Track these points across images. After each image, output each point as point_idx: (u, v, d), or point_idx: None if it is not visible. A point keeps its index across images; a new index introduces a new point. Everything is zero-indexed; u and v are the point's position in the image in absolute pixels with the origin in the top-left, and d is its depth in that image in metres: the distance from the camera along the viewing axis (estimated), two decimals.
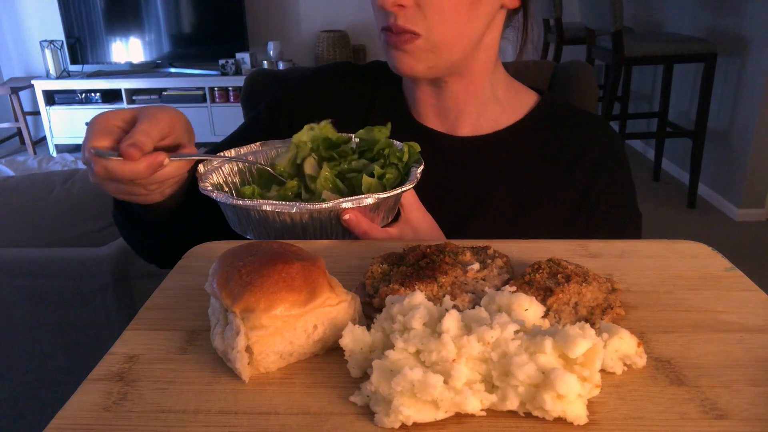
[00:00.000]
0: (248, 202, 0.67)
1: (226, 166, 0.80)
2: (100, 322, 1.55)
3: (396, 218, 0.77)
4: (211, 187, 0.72)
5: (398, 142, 0.78)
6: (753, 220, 3.54)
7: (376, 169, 0.73)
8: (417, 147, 0.76)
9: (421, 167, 0.74)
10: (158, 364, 0.49)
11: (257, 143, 0.83)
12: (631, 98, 4.50)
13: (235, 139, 1.01)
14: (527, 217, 0.89)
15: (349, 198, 0.67)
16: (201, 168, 0.76)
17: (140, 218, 0.83)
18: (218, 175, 0.78)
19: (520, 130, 0.95)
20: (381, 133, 0.77)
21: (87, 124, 0.70)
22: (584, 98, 1.18)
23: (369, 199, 0.68)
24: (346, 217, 0.68)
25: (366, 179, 0.72)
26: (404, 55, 0.84)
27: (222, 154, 0.80)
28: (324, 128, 0.78)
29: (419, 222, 0.77)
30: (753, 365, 0.48)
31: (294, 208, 0.66)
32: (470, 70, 0.90)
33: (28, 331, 1.57)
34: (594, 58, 3.79)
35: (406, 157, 0.75)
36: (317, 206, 0.66)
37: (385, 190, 0.71)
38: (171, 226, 0.85)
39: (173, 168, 0.70)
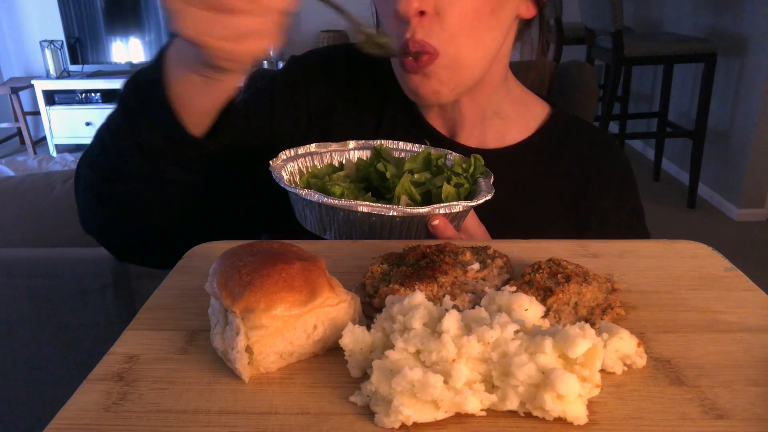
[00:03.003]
0: (344, 203, 0.67)
1: (289, 165, 0.79)
2: (100, 322, 1.54)
3: None
4: (292, 184, 0.71)
5: (452, 153, 0.80)
6: (753, 220, 3.55)
7: (454, 179, 0.75)
8: (482, 160, 0.77)
9: (492, 178, 0.76)
10: (158, 364, 0.49)
11: (313, 144, 0.82)
12: (631, 98, 4.50)
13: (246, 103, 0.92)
14: (532, 236, 0.89)
15: (441, 204, 0.69)
16: (271, 164, 0.76)
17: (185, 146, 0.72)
18: (285, 173, 0.78)
19: (528, 149, 0.93)
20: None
21: None
22: (584, 98, 1.18)
23: (458, 207, 0.69)
24: (435, 222, 0.69)
25: (446, 187, 0.74)
26: (425, 80, 0.81)
27: (287, 153, 0.79)
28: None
29: (476, 231, 0.77)
30: (753, 365, 0.48)
31: (392, 210, 0.67)
32: (481, 81, 0.87)
33: (28, 331, 1.57)
34: (594, 58, 3.80)
35: (472, 168, 0.77)
36: (415, 210, 0.67)
37: (460, 199, 0.73)
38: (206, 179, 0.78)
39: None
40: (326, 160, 0.82)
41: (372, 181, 0.78)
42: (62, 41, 5.09)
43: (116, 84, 4.96)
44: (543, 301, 0.53)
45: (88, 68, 5.21)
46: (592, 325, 0.51)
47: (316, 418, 0.43)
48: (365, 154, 0.83)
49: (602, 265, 0.63)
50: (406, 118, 0.94)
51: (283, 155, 0.79)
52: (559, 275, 0.55)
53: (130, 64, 5.19)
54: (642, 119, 4.52)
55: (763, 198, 3.54)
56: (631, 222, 0.93)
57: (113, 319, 1.53)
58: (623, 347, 0.47)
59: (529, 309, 0.49)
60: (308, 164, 0.81)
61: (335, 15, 0.72)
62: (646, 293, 0.59)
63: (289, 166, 0.78)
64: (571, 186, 0.91)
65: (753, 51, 3.38)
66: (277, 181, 0.72)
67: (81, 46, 5.11)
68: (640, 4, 4.80)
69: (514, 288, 0.53)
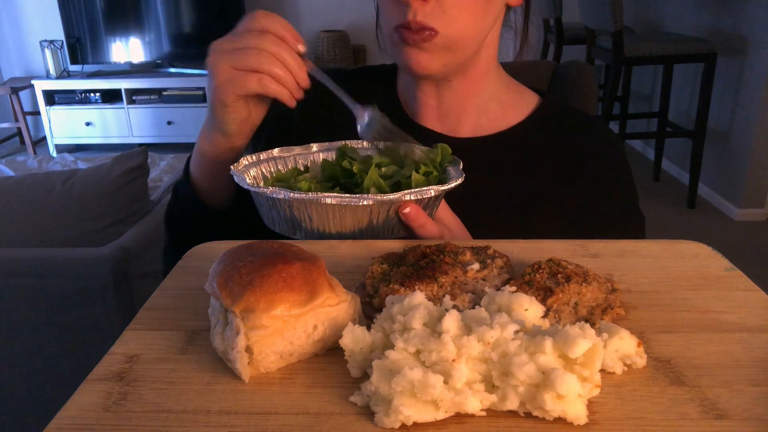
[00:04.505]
0: (312, 195, 0.64)
1: (252, 170, 0.77)
2: (100, 322, 1.55)
3: None
4: (256, 184, 0.70)
5: (421, 146, 0.79)
6: (753, 220, 3.55)
7: (422, 167, 0.74)
8: (449, 149, 0.77)
9: (461, 165, 0.75)
10: (158, 364, 0.49)
11: (276, 149, 0.81)
12: (631, 98, 4.50)
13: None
14: (530, 222, 0.89)
15: (412, 190, 0.67)
16: (233, 168, 0.74)
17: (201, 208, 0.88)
18: (249, 178, 0.76)
19: (523, 132, 0.94)
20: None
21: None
22: (584, 98, 1.18)
23: (431, 191, 0.68)
24: (406, 210, 0.68)
25: (416, 176, 0.73)
26: (420, 52, 0.82)
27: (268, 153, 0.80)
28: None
29: (450, 221, 0.77)
30: (753, 365, 0.48)
31: (362, 200, 0.65)
32: (473, 67, 0.89)
33: (28, 331, 1.57)
34: (594, 58, 3.80)
35: (439, 157, 0.76)
36: (386, 197, 0.66)
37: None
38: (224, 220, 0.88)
39: (297, 66, 0.78)
40: (290, 164, 0.81)
41: (339, 179, 0.76)
42: (62, 41, 5.09)
43: (116, 84, 4.96)
44: (543, 301, 0.53)
45: (88, 68, 5.20)
46: (592, 325, 0.51)
47: (316, 418, 0.43)
48: (330, 156, 0.81)
49: (602, 265, 0.63)
50: (395, 122, 0.95)
51: (245, 161, 0.77)
52: (559, 275, 0.55)
53: (130, 64, 5.19)
54: (642, 119, 4.52)
55: (763, 198, 3.54)
56: (626, 204, 0.94)
57: (113, 319, 1.53)
58: (623, 347, 0.47)
59: (529, 309, 0.49)
60: (272, 169, 0.79)
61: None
62: (646, 293, 0.59)
63: (252, 171, 0.77)
64: (567, 167, 0.92)
65: (753, 51, 3.38)
66: (239, 182, 0.69)
67: (81, 46, 5.11)
68: (640, 4, 4.80)
69: (514, 288, 0.53)
